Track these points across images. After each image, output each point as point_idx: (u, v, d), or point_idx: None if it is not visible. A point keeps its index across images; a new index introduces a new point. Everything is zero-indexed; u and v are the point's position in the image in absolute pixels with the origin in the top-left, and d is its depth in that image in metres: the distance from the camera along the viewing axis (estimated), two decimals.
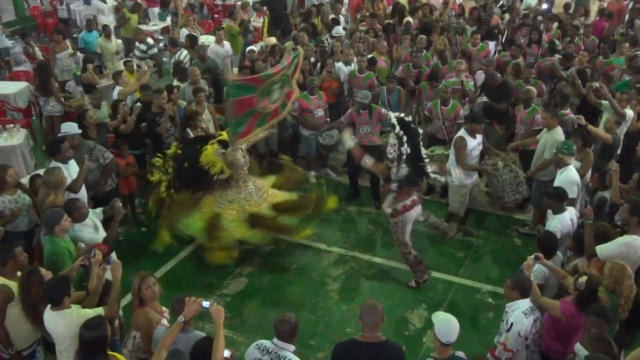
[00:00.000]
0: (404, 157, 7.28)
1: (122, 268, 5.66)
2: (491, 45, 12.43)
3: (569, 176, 7.45)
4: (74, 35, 14.55)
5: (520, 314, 5.32)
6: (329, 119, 10.25)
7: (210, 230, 7.92)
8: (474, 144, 8.33)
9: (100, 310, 5.29)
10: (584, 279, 5.36)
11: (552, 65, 10.95)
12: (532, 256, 5.88)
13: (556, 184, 7.47)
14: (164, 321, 5.45)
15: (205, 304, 4.98)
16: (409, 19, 13.63)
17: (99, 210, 7.12)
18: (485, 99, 9.94)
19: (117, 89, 10.20)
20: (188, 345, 4.86)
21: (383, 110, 9.48)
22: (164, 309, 5.55)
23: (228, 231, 7.95)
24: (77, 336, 4.99)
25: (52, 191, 6.78)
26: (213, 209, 8.13)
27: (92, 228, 6.69)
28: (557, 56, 11.33)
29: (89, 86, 10.88)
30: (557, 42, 11.99)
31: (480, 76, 10.86)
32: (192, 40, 12.18)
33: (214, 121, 9.87)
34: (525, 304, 5.40)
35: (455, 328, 4.83)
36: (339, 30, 13.15)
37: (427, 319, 7.34)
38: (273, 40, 12.08)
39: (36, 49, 13.34)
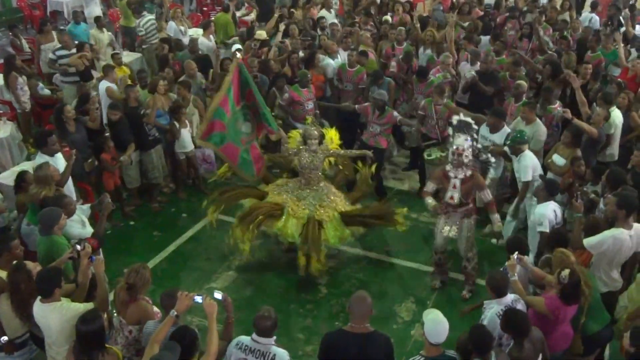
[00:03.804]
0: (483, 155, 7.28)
1: (110, 262, 5.64)
2: (484, 39, 12.42)
3: (526, 161, 7.67)
4: (61, 28, 14.40)
5: (493, 317, 5.33)
6: (318, 112, 10.25)
7: (307, 237, 7.57)
8: None
9: (90, 305, 5.27)
10: (566, 272, 5.37)
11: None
12: (515, 256, 5.80)
13: (516, 169, 7.77)
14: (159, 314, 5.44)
15: (198, 298, 4.98)
16: (388, 17, 13.61)
17: (85, 207, 7.10)
18: (473, 73, 9.96)
19: (105, 83, 10.09)
20: None
21: (395, 113, 9.47)
22: (156, 309, 5.51)
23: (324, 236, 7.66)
24: (67, 329, 5.04)
25: (45, 187, 6.76)
26: (304, 212, 7.79)
27: (79, 223, 6.68)
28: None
29: (85, 74, 10.82)
30: (547, 39, 12.01)
31: (465, 68, 10.90)
32: (170, 45, 11.90)
33: (199, 114, 9.85)
34: (498, 305, 5.39)
35: (444, 329, 4.84)
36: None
37: (415, 312, 7.40)
38: (263, 34, 12.01)
39: (23, 41, 13.23)
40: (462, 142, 7.04)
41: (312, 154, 7.86)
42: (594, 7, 14.39)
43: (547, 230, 6.72)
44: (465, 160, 7.05)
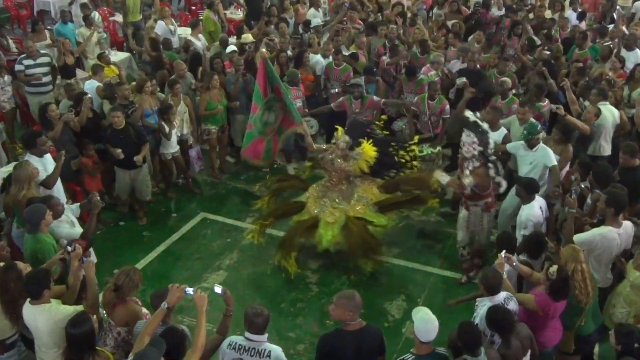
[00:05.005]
0: (489, 153, 7.26)
1: (100, 262, 5.62)
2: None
3: (545, 149, 7.70)
4: (49, 27, 14.31)
5: (485, 314, 5.32)
6: (307, 110, 10.26)
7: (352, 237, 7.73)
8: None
9: (79, 308, 5.25)
10: (554, 268, 5.40)
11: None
12: (503, 255, 5.84)
13: (530, 162, 7.71)
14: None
15: (189, 290, 4.98)
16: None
17: (74, 206, 7.06)
18: (464, 79, 9.95)
19: (94, 82, 10.01)
20: None
21: (375, 97, 9.63)
22: (145, 311, 5.49)
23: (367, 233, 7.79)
24: (56, 332, 5.00)
25: (24, 185, 6.71)
26: (315, 210, 8.00)
27: (68, 224, 6.64)
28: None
29: (65, 70, 10.73)
30: (535, 38, 12.06)
31: (455, 65, 10.93)
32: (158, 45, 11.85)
33: (190, 113, 9.83)
34: (490, 303, 5.38)
35: (434, 327, 4.84)
36: (317, 21, 13.12)
37: (405, 310, 7.42)
38: (249, 37, 11.98)
39: (10, 41, 13.12)
40: (464, 137, 7.29)
41: (338, 156, 7.97)
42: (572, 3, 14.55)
43: (528, 234, 6.75)
44: (467, 155, 7.24)
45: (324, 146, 8.34)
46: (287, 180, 9.07)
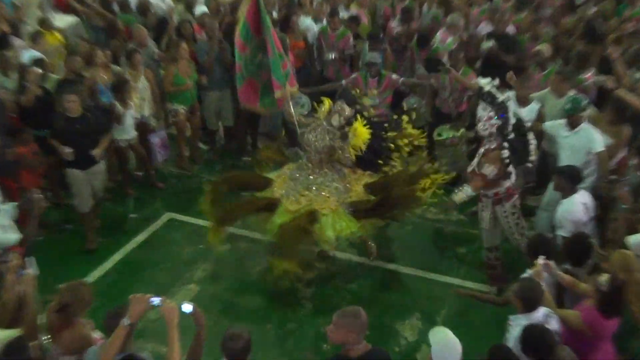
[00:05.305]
0: (509, 131, 7.20)
1: (41, 276, 5.56)
2: None
3: (590, 131, 7.62)
4: None
5: (519, 335, 5.26)
6: (297, 85, 10.18)
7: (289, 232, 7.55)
8: None
9: (15, 332, 5.15)
10: (604, 277, 5.34)
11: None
12: (541, 261, 5.80)
13: (570, 146, 7.67)
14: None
15: (155, 300, 4.90)
16: None
17: (8, 206, 6.96)
18: (491, 43, 9.90)
19: (32, 52, 9.90)
20: None
21: (394, 75, 9.64)
22: (98, 335, 5.41)
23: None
24: None
25: None
26: (280, 192, 7.94)
27: None
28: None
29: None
30: None
31: (484, 29, 10.93)
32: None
33: (152, 90, 9.73)
34: (527, 322, 5.29)
35: (455, 352, 4.79)
36: None
37: (421, 330, 7.39)
38: None
39: None
40: (480, 111, 7.29)
41: (322, 133, 7.82)
42: None
43: (566, 235, 6.73)
44: (483, 133, 7.24)
45: (307, 120, 8.22)
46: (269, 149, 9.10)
